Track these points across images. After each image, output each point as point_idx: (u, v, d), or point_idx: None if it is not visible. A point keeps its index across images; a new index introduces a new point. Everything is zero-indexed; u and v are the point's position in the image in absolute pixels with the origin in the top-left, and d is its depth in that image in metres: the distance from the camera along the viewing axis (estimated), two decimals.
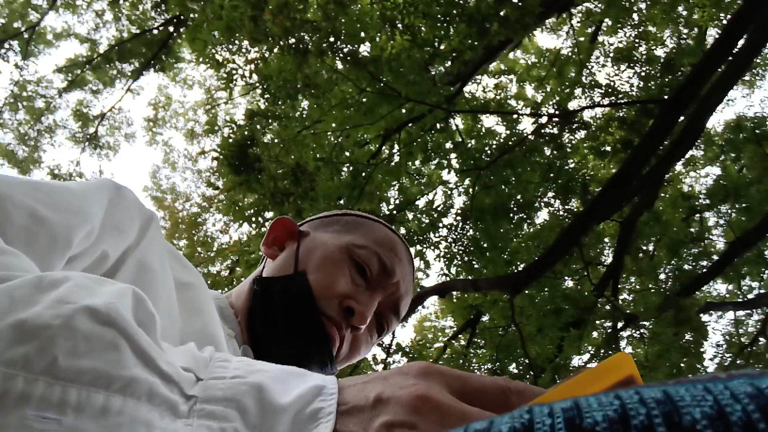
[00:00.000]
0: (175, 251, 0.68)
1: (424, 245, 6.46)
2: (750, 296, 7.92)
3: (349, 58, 4.91)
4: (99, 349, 0.32)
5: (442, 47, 5.36)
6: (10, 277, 0.36)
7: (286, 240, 0.83)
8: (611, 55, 7.15)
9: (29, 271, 0.39)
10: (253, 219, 5.54)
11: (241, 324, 0.75)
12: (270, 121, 5.77)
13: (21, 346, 0.31)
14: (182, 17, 7.24)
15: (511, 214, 6.52)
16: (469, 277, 6.33)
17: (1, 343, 0.31)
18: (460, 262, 6.44)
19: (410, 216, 6.62)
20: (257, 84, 5.49)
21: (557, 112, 6.60)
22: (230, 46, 5.18)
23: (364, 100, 5.28)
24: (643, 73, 6.76)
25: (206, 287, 0.68)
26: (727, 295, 8.80)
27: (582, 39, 7.62)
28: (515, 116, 6.74)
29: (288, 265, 0.77)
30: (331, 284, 0.74)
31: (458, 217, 6.50)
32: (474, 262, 6.45)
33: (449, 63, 5.71)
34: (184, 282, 0.64)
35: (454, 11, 4.95)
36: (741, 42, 4.68)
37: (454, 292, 6.58)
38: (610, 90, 6.70)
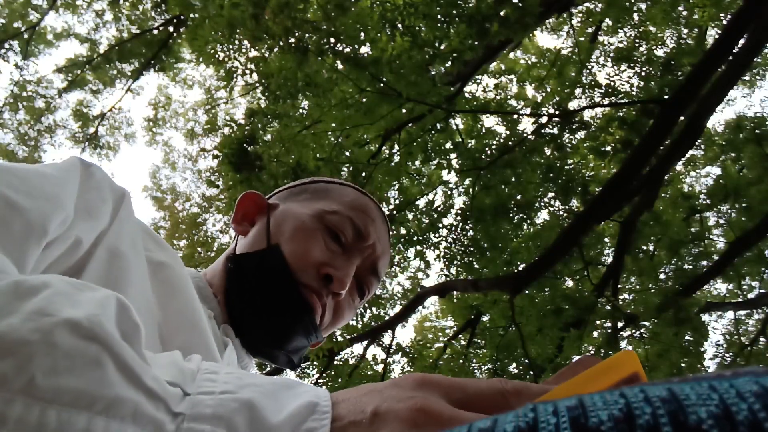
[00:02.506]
0: (149, 229, 0.65)
1: (424, 245, 6.46)
2: (750, 296, 7.92)
3: (349, 58, 4.91)
4: (81, 367, 0.30)
5: (442, 48, 5.35)
6: None
7: (256, 215, 0.81)
8: (611, 55, 7.14)
9: (4, 271, 0.38)
10: None
11: (221, 303, 0.72)
12: (270, 120, 5.77)
13: None
14: (182, 17, 7.23)
15: (511, 214, 6.51)
16: (469, 277, 6.32)
17: None
18: (460, 262, 6.44)
19: (410, 216, 6.61)
20: (257, 83, 5.49)
21: (557, 112, 6.59)
22: (230, 45, 5.18)
23: (364, 100, 5.28)
24: (643, 73, 6.75)
25: (182, 265, 0.66)
26: (727, 295, 8.80)
27: (582, 39, 7.61)
28: (515, 116, 6.73)
29: (260, 239, 0.76)
30: (306, 253, 0.72)
31: (458, 218, 6.50)
32: (474, 262, 6.44)
33: (449, 63, 5.70)
34: (159, 261, 0.61)
35: (454, 12, 4.95)
36: (741, 42, 4.68)
37: (454, 292, 6.58)
38: (610, 90, 6.69)
